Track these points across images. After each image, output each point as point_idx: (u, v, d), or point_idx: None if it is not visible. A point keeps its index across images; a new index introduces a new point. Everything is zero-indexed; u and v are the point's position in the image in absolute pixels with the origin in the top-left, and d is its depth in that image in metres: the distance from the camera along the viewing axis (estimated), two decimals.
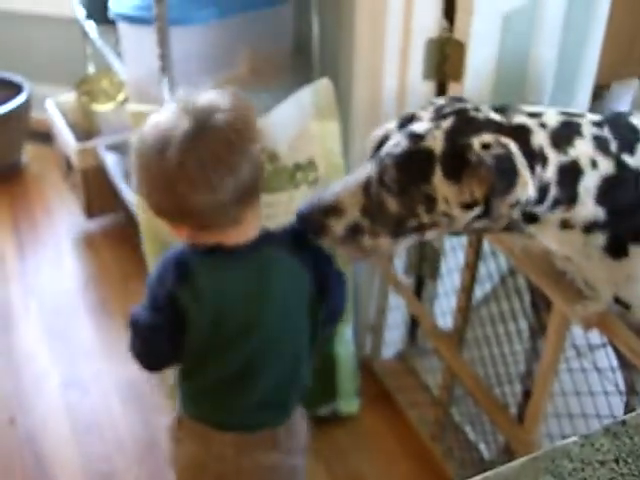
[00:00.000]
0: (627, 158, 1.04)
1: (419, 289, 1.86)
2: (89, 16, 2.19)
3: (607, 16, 2.01)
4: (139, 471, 1.69)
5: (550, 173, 1.00)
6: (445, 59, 1.55)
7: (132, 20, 1.67)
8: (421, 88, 1.60)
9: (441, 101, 1.07)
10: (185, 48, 1.62)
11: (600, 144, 1.04)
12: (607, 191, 1.03)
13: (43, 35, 2.83)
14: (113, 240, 2.42)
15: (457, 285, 1.54)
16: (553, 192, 1.01)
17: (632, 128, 1.09)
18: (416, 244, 1.75)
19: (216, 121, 0.94)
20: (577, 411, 1.39)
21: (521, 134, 0.99)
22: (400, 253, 1.77)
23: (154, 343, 1.08)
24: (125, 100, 2.37)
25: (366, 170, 1.04)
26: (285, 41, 1.81)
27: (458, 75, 1.56)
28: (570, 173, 1.01)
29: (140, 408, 1.84)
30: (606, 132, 1.05)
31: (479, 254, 1.44)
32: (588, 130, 1.04)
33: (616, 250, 1.08)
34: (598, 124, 1.06)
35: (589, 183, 1.02)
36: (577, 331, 1.25)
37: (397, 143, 1.00)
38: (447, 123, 1.00)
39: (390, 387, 1.88)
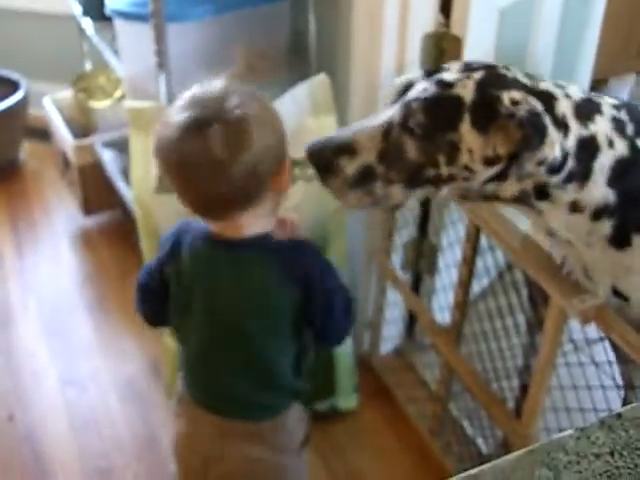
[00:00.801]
0: None
1: (417, 285, 1.86)
2: (86, 13, 2.19)
3: (604, 11, 2.01)
4: (138, 468, 1.69)
5: (570, 143, 0.99)
6: (442, 54, 1.54)
7: (128, 17, 1.67)
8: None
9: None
10: (182, 45, 1.62)
11: (617, 125, 1.04)
12: (620, 173, 1.02)
13: (40, 32, 2.83)
14: (111, 237, 2.41)
15: (454, 280, 1.54)
16: (570, 164, 0.99)
17: None
18: (413, 240, 1.77)
19: (208, 134, 0.95)
20: (574, 405, 1.39)
21: (547, 99, 0.99)
22: (397, 249, 1.77)
23: (146, 300, 1.16)
24: (122, 97, 2.37)
25: (387, 114, 1.01)
26: (282, 37, 1.81)
27: None
28: (588, 148, 1.00)
29: (138, 405, 1.84)
30: (623, 115, 1.06)
31: (476, 249, 1.44)
32: (607, 110, 1.04)
33: (620, 240, 1.07)
34: (616, 107, 1.07)
35: (604, 161, 1.02)
36: (574, 325, 1.26)
37: (425, 88, 0.98)
38: (478, 75, 0.99)
39: (388, 383, 1.88)
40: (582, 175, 1.01)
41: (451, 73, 1.00)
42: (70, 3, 2.32)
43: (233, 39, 1.73)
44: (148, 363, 1.95)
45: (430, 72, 1.03)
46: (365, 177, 1.00)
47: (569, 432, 0.69)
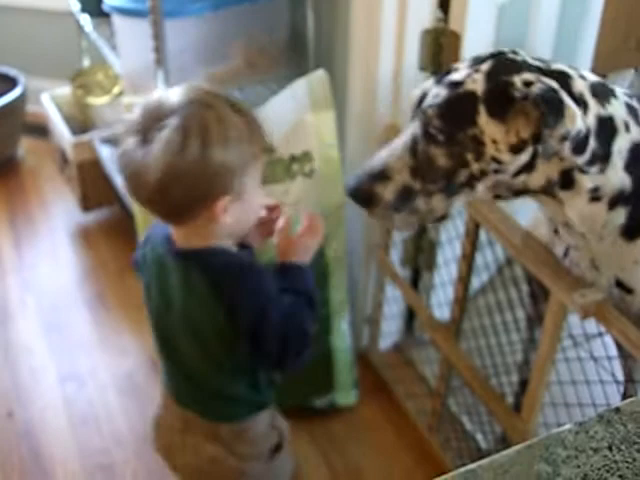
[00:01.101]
0: None
1: (416, 280, 1.86)
2: (84, 9, 2.18)
3: (602, 6, 2.01)
4: (137, 463, 1.69)
5: (591, 120, 0.99)
6: (440, 49, 1.54)
7: (126, 13, 1.67)
8: (417, 78, 1.60)
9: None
10: (180, 40, 1.61)
11: (631, 111, 1.04)
12: (636, 158, 1.03)
13: (38, 29, 2.83)
14: (109, 233, 2.41)
15: (454, 276, 1.54)
16: (592, 144, 0.99)
17: None
18: (412, 236, 1.77)
19: (151, 150, 0.92)
20: (573, 400, 1.39)
21: (562, 78, 0.99)
22: (397, 244, 1.77)
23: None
24: (120, 93, 2.37)
25: (410, 130, 1.02)
26: (280, 33, 1.81)
27: None
28: (607, 128, 1.01)
29: (138, 400, 1.84)
30: (635, 103, 1.06)
31: (475, 244, 1.44)
32: (621, 95, 1.05)
33: (632, 230, 1.08)
34: (629, 95, 1.07)
35: (622, 145, 1.02)
36: (573, 320, 1.26)
37: (437, 94, 0.99)
38: (485, 66, 0.99)
39: (387, 378, 1.88)
40: (603, 157, 1.01)
41: (459, 71, 1.01)
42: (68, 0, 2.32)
43: (231, 35, 1.72)
44: (147, 358, 1.94)
45: (440, 77, 1.03)
46: (405, 197, 1.01)
47: (568, 427, 0.69)
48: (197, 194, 0.96)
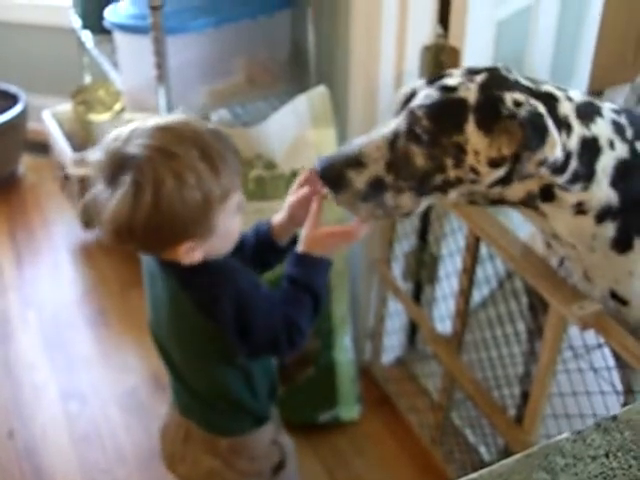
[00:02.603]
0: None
1: (417, 294, 1.87)
2: (85, 26, 2.20)
3: (599, 23, 2.03)
4: None
5: (573, 143, 1.00)
6: (440, 66, 1.56)
7: (128, 29, 1.68)
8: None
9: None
10: (181, 57, 1.63)
11: (618, 129, 1.05)
12: (622, 175, 1.04)
13: (39, 45, 2.84)
14: (110, 250, 2.40)
15: (455, 289, 1.55)
16: (574, 164, 1.01)
17: None
18: (414, 250, 1.77)
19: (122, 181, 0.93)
20: (574, 411, 1.39)
21: (549, 100, 1.00)
22: (398, 258, 1.78)
23: None
24: (122, 110, 2.38)
25: (392, 124, 1.02)
26: (281, 49, 1.82)
27: None
28: (590, 148, 1.02)
29: (140, 417, 1.84)
30: (623, 120, 1.07)
31: (476, 258, 1.45)
32: (608, 113, 1.06)
33: (623, 243, 1.09)
34: (616, 111, 1.08)
35: (606, 163, 1.03)
36: (573, 332, 1.26)
37: (429, 95, 1.00)
38: (480, 77, 1.00)
39: (390, 392, 1.88)
40: (586, 176, 1.02)
41: (454, 77, 1.02)
42: (70, 16, 2.34)
43: (233, 51, 1.74)
44: (150, 375, 1.94)
45: (432, 79, 1.04)
46: (375, 189, 1.00)
47: (566, 435, 0.70)
48: (154, 243, 0.97)
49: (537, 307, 1.38)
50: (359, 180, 1.00)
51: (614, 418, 0.71)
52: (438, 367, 1.73)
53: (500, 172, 0.99)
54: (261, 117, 1.60)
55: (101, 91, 2.51)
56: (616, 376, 1.38)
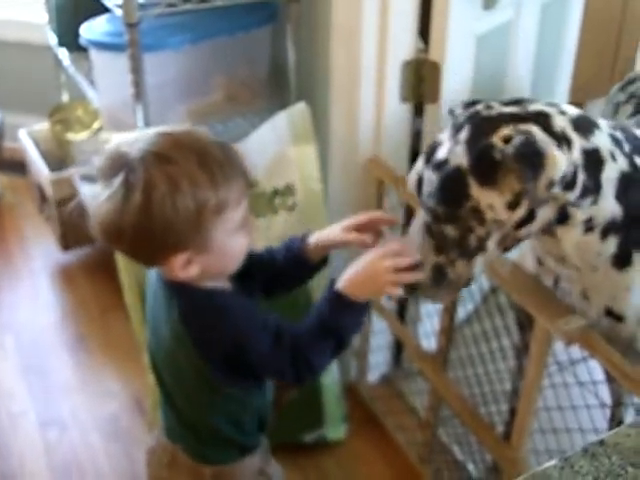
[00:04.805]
0: (639, 161, 1.07)
1: (402, 312, 1.85)
2: (61, 43, 2.17)
3: (578, 37, 2.05)
4: None
5: (576, 154, 1.00)
6: (421, 81, 1.55)
7: (104, 47, 1.66)
8: (398, 110, 1.61)
9: (458, 110, 1.09)
10: (159, 74, 1.61)
11: (616, 142, 1.06)
12: (624, 187, 1.04)
13: (15, 63, 2.80)
14: (90, 272, 2.37)
15: (439, 306, 1.53)
16: (581, 177, 1.00)
17: (636, 137, 1.13)
18: None
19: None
20: (561, 426, 1.39)
21: (540, 119, 0.99)
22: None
23: None
24: (100, 128, 2.35)
25: (419, 219, 1.07)
26: (261, 66, 1.81)
27: (435, 96, 1.56)
28: (594, 160, 1.02)
29: (123, 444, 1.80)
30: (619, 134, 1.08)
31: None
32: (605, 126, 1.06)
33: (622, 259, 1.09)
34: (612, 126, 1.09)
35: (610, 174, 1.03)
36: (558, 346, 1.25)
37: (429, 180, 1.02)
38: (463, 134, 1.00)
39: (377, 411, 1.86)
40: (594, 189, 1.02)
41: (443, 146, 1.02)
42: (46, 33, 2.31)
43: (212, 68, 1.73)
44: (131, 400, 1.90)
45: (429, 154, 1.04)
46: (438, 273, 1.06)
47: (553, 462, 0.69)
48: (144, 249, 0.95)
49: (525, 324, 1.37)
50: (425, 277, 1.06)
51: (601, 443, 0.70)
52: (424, 384, 1.71)
53: (520, 212, 1.00)
54: (241, 135, 1.59)
55: (79, 110, 2.48)
56: (603, 390, 1.38)
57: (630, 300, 1.14)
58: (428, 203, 1.03)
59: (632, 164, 1.06)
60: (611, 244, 1.08)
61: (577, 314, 1.16)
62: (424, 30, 1.53)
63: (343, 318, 1.00)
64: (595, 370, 1.32)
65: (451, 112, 1.11)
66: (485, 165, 0.97)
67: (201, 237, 0.93)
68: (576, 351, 1.24)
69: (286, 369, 0.99)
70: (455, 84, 1.57)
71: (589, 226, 1.05)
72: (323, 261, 1.12)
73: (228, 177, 0.93)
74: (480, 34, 1.60)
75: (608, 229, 1.06)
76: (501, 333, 1.58)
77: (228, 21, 1.68)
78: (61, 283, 2.37)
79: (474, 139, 0.98)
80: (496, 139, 0.97)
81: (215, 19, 1.67)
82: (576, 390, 1.38)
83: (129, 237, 0.92)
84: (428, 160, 1.04)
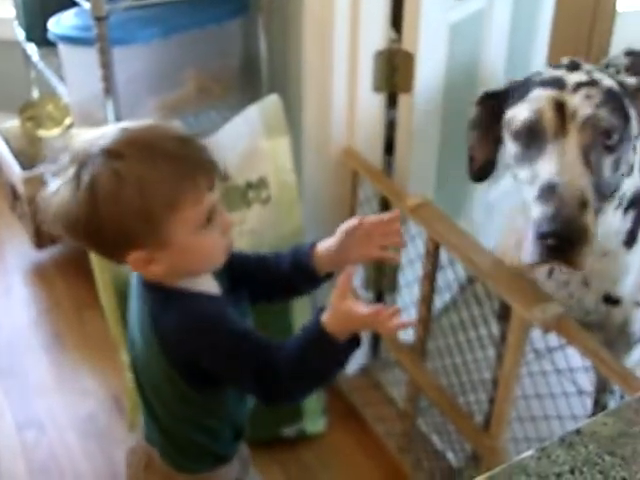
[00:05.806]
0: None
1: (379, 303, 1.85)
2: (29, 38, 2.13)
3: (552, 23, 2.05)
4: None
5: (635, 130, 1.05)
6: (394, 71, 1.54)
7: (72, 41, 1.63)
8: (371, 101, 1.60)
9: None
10: (129, 69, 1.59)
11: None
12: None
13: None
14: (65, 270, 2.34)
15: (416, 297, 1.53)
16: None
17: None
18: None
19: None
20: (539, 413, 1.39)
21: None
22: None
23: None
24: (71, 125, 2.32)
25: (574, 142, 0.99)
26: (232, 58, 1.79)
27: (408, 86, 1.56)
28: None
29: (101, 443, 1.77)
30: None
31: (436, 265, 1.44)
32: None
33: (633, 236, 1.13)
34: None
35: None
36: (535, 334, 1.26)
37: (589, 95, 1.02)
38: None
39: (356, 403, 1.86)
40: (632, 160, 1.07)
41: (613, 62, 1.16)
42: (14, 28, 2.27)
43: (182, 61, 1.70)
44: (108, 398, 1.88)
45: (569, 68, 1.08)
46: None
47: (530, 453, 0.68)
48: (100, 244, 0.94)
49: (506, 313, 1.37)
50: (591, 223, 0.92)
51: (578, 432, 0.70)
52: (403, 375, 1.71)
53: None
54: (213, 128, 1.57)
55: (50, 106, 2.44)
56: (581, 377, 1.39)
57: (627, 281, 1.15)
58: (599, 114, 0.98)
59: None
60: (627, 220, 1.11)
61: (555, 301, 1.16)
62: (396, 20, 1.53)
63: (329, 362, 0.95)
64: (573, 358, 1.32)
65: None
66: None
67: (156, 234, 0.91)
68: (553, 338, 1.25)
69: (248, 382, 0.95)
70: (428, 73, 1.57)
71: (620, 202, 1.08)
72: (328, 275, 1.09)
73: (182, 174, 0.90)
74: (453, 23, 1.59)
75: (630, 203, 1.09)
76: (479, 322, 1.58)
77: (199, 13, 1.66)
78: (35, 282, 2.34)
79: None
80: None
81: (185, 11, 1.65)
82: (554, 378, 1.39)
83: (82, 231, 0.92)
84: (580, 85, 1.02)
